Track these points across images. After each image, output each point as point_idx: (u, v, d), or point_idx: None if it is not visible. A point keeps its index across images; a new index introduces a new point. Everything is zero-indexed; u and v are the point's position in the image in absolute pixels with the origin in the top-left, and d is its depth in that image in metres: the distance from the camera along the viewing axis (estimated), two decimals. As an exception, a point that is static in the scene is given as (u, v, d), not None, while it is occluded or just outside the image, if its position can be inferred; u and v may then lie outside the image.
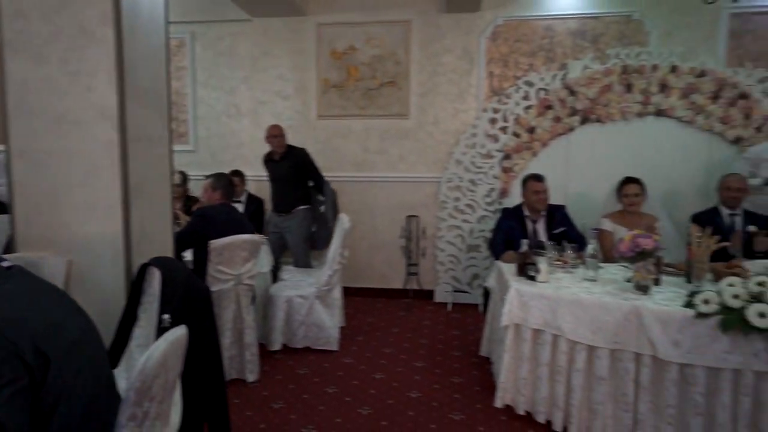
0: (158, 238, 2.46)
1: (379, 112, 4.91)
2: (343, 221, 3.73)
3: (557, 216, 3.60)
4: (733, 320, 2.07)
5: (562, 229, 3.55)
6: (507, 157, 4.60)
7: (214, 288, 2.87)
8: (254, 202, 4.72)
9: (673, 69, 4.34)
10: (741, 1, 3.23)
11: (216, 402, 2.23)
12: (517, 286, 2.65)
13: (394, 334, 4.02)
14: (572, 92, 4.46)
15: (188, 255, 3.19)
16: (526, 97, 4.56)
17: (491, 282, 3.34)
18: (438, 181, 4.82)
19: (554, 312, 2.47)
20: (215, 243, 2.91)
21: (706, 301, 2.17)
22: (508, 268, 3.01)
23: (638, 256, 2.45)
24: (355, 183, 4.86)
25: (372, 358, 3.54)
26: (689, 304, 2.23)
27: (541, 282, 2.69)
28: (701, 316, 2.15)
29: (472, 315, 4.49)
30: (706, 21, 4.50)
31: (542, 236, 3.56)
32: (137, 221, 2.24)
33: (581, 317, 2.40)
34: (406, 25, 4.81)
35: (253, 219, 4.09)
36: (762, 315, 2.03)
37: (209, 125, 5.20)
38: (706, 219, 3.62)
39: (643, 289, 2.46)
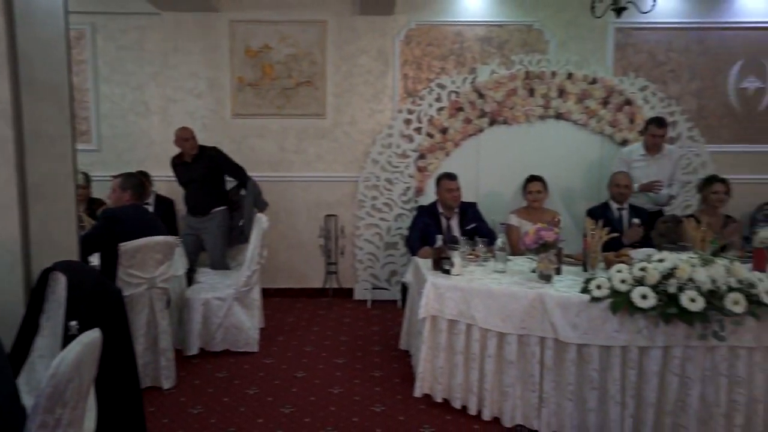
0: (61, 242, 2.31)
1: (296, 111, 4.90)
2: (262, 221, 3.70)
3: (469, 213, 3.79)
4: (620, 302, 2.32)
5: (473, 225, 3.75)
6: (422, 156, 4.77)
7: (125, 293, 2.74)
8: (164, 203, 4.53)
9: (570, 76, 4.71)
10: (624, 16, 3.58)
11: (131, 410, 2.14)
12: (433, 279, 2.77)
13: (314, 333, 4.04)
14: (481, 95, 4.70)
15: (95, 260, 3.03)
16: (438, 99, 4.75)
17: (408, 277, 3.46)
18: (355, 181, 4.89)
19: (468, 303, 2.62)
20: (126, 246, 2.79)
21: (598, 287, 2.41)
22: (425, 263, 3.14)
23: (541, 247, 2.66)
24: (272, 183, 4.81)
25: (293, 358, 3.54)
26: (585, 290, 2.46)
27: (455, 275, 2.83)
28: (595, 300, 2.39)
29: (391, 311, 4.60)
30: (596, 33, 4.93)
31: (456, 232, 3.74)
32: (37, 224, 2.11)
33: (492, 306, 2.57)
34: (322, 26, 4.84)
35: (163, 221, 3.92)
36: (644, 297, 2.29)
37: (115, 123, 4.92)
38: (599, 213, 3.97)
39: (546, 278, 2.68)
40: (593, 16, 3.59)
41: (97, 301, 2.09)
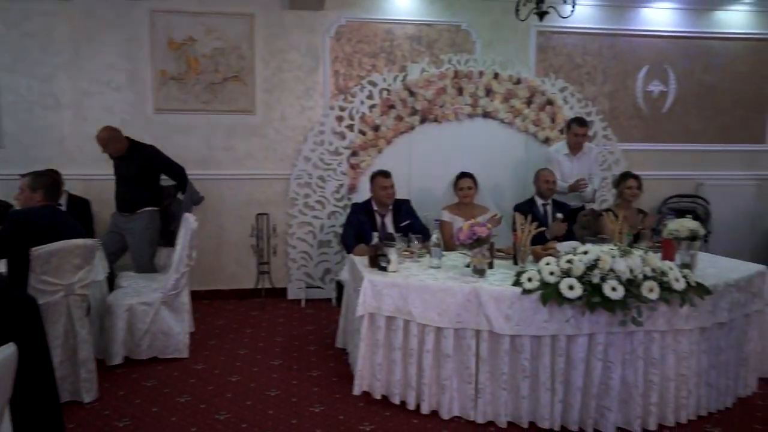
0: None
1: (224, 107, 4.73)
2: (189, 221, 3.54)
3: (403, 209, 3.84)
4: (549, 293, 2.44)
5: (407, 221, 3.80)
6: (354, 153, 4.76)
7: (40, 301, 2.53)
8: (77, 204, 4.22)
9: (496, 76, 4.88)
10: (545, 20, 3.76)
11: (50, 428, 1.99)
12: (370, 277, 2.78)
13: (248, 335, 3.93)
14: (412, 93, 4.76)
15: (1, 266, 2.78)
16: (370, 96, 4.76)
17: (344, 275, 3.45)
18: (287, 178, 4.80)
19: (405, 299, 2.65)
20: (39, 250, 2.58)
21: (529, 279, 2.52)
22: (361, 261, 3.15)
23: (475, 243, 2.74)
24: (200, 181, 4.60)
25: (226, 362, 3.43)
26: (517, 283, 2.56)
27: (391, 272, 2.85)
28: (526, 292, 2.49)
29: (326, 309, 4.57)
30: (519, 35, 5.14)
31: (390, 229, 3.77)
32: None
33: (429, 301, 2.61)
34: (250, 19, 4.70)
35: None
36: (571, 287, 2.42)
37: (19, 117, 4.51)
38: (526, 208, 4.16)
39: (480, 272, 2.76)
40: (517, 18, 3.73)
41: (8, 311, 1.92)
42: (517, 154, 5.00)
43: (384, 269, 2.88)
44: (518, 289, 2.53)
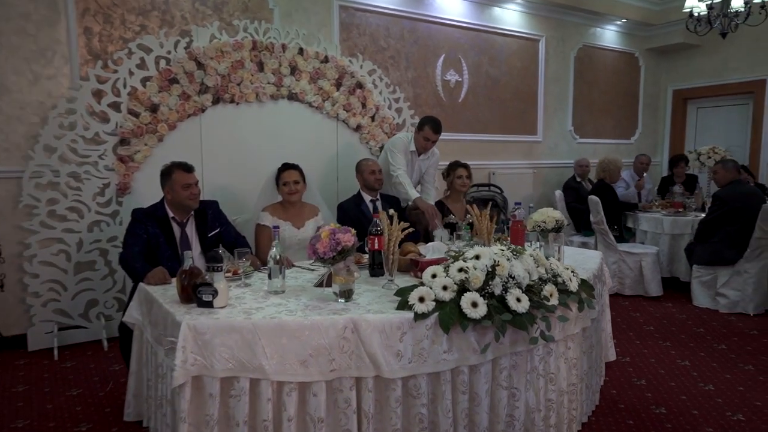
0: None
1: None
2: None
3: (210, 214, 2.87)
4: (449, 315, 1.88)
5: (217, 230, 2.86)
6: (124, 142, 3.52)
7: None
8: None
9: (301, 51, 4.17)
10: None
11: None
12: (191, 320, 1.83)
13: (-37, 427, 2.48)
14: (200, 65, 3.74)
15: None
16: (142, 66, 3.57)
17: (133, 314, 2.36)
18: (18, 177, 3.31)
19: (251, 347, 1.79)
20: None
21: (421, 299, 1.92)
22: (162, 294, 2.14)
23: (338, 255, 2.03)
24: None
25: None
26: (404, 305, 1.94)
27: (220, 308, 1.95)
28: (419, 317, 1.89)
29: (95, 357, 3.28)
30: (320, 7, 4.54)
31: (194, 241, 2.78)
32: None
33: (287, 347, 1.81)
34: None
35: None
36: (474, 304, 1.91)
37: None
38: (353, 206, 3.59)
39: (346, 295, 2.06)
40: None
41: None
42: (327, 142, 4.39)
43: (209, 305, 1.95)
44: (408, 315, 1.91)
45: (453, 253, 2.17)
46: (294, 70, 4.14)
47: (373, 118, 4.58)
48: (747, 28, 5.19)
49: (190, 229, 2.78)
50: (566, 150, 6.53)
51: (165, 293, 2.17)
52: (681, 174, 5.99)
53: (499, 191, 5.59)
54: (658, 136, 7.66)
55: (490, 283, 1.97)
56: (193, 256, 2.16)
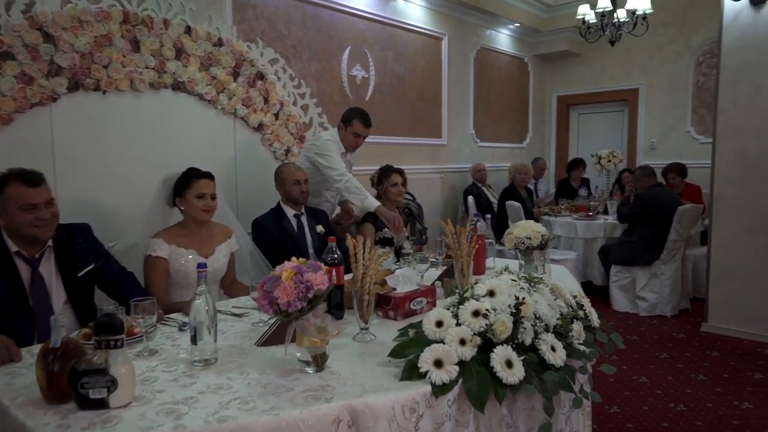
0: None
1: None
2: None
3: (79, 244, 1.98)
4: (482, 384, 1.33)
5: (92, 265, 1.99)
6: (-71, 140, 2.44)
7: None
8: None
9: (188, 30, 3.34)
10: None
11: None
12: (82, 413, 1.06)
13: None
14: (48, 37, 2.76)
15: None
16: (-43, 33, 2.51)
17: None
18: None
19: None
20: None
21: (438, 363, 1.34)
22: (8, 386, 1.31)
23: (309, 305, 1.37)
24: None
25: None
26: (411, 373, 1.34)
27: (120, 407, 1.19)
28: (441, 390, 1.31)
29: None
30: (212, -21, 3.72)
31: (54, 288, 1.88)
32: None
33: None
34: None
35: None
36: (509, 363, 1.37)
37: None
38: (272, 225, 2.88)
39: (319, 361, 1.40)
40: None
41: None
42: (225, 145, 3.60)
43: (101, 405, 1.17)
44: (420, 387, 1.31)
45: (452, 288, 1.62)
46: (180, 53, 3.29)
47: (277, 116, 3.87)
48: (624, 39, 5.39)
49: (47, 268, 1.88)
50: (468, 153, 6.34)
51: (11, 385, 1.33)
52: (577, 177, 6.11)
53: (411, 198, 5.16)
54: (545, 140, 7.87)
55: (518, 329, 1.45)
56: (57, 312, 1.35)
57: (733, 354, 3.51)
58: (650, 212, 4.23)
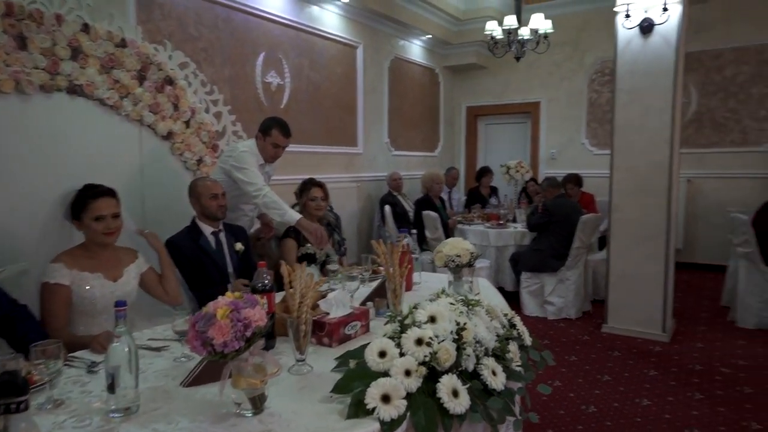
0: None
1: None
2: None
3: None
4: (429, 418, 1.29)
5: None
6: None
7: None
8: None
9: (86, 28, 3.03)
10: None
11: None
12: None
13: None
14: None
15: None
16: None
17: None
18: None
19: None
20: None
21: (385, 398, 1.29)
22: None
23: (246, 344, 1.26)
24: None
25: None
26: (358, 410, 1.27)
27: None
28: (390, 426, 1.25)
29: None
30: (113, -26, 3.42)
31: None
32: None
33: None
34: None
35: None
36: (455, 393, 1.36)
37: None
38: (187, 242, 2.67)
39: (257, 403, 1.30)
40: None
41: None
42: (131, 156, 3.30)
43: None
44: (367, 425, 1.26)
45: (390, 315, 1.59)
46: (77, 53, 2.98)
47: (188, 124, 3.62)
48: (528, 55, 5.72)
49: None
50: (384, 162, 6.38)
51: None
52: (487, 185, 6.36)
53: (329, 208, 5.08)
54: (455, 150, 8.12)
55: (461, 356, 1.44)
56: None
57: (631, 353, 3.81)
58: (556, 221, 4.49)
